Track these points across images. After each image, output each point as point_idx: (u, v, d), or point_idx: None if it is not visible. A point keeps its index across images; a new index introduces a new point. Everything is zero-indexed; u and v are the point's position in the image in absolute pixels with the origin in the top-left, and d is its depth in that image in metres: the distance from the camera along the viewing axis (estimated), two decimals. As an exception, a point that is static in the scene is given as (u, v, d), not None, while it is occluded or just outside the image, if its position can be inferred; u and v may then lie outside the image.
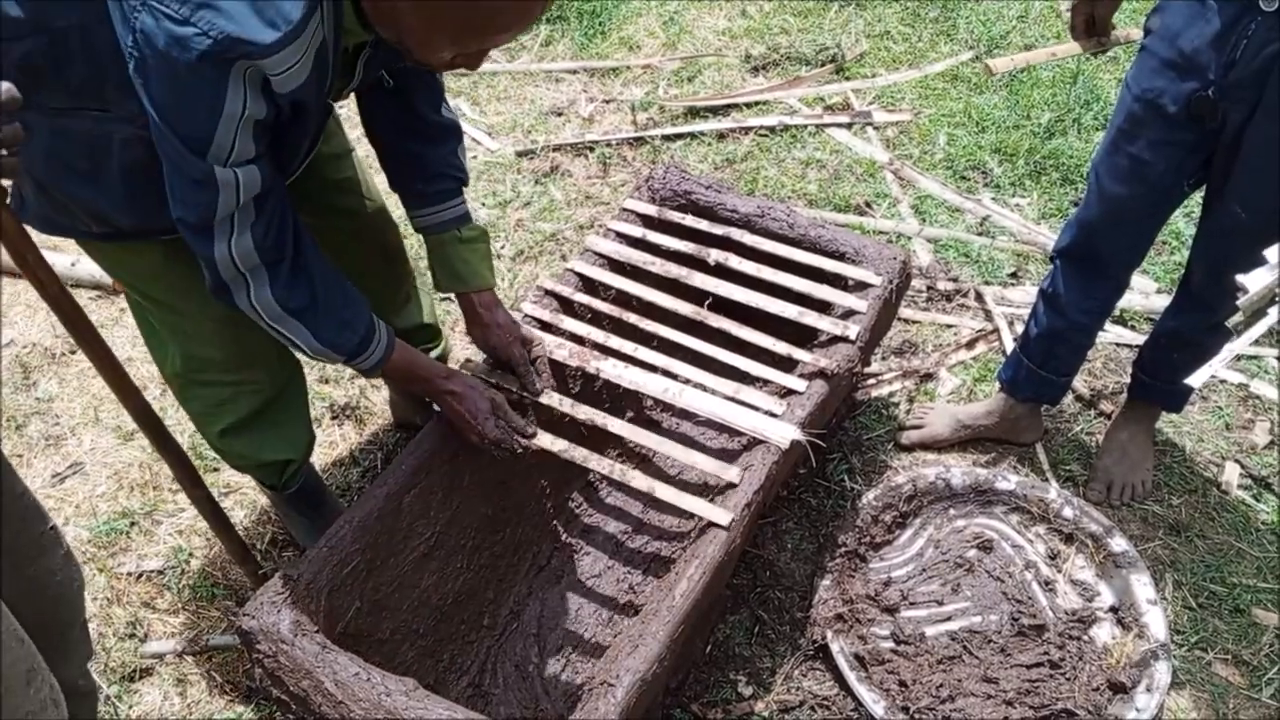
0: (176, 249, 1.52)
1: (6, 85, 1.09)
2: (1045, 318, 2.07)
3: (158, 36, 1.15)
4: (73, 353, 2.58)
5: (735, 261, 2.08)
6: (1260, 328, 1.38)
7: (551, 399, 1.84)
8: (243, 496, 2.23)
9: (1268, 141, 1.62)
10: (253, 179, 1.32)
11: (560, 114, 3.33)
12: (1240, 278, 1.34)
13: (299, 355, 1.56)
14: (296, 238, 1.45)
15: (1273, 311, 1.35)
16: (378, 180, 1.93)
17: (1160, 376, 2.10)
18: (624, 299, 2.07)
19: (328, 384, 2.47)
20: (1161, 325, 2.07)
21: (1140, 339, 2.49)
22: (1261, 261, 1.81)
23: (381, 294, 2.02)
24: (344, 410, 2.40)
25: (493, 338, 1.83)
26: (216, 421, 1.86)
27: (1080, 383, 2.42)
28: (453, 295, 1.89)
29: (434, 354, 2.18)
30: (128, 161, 1.42)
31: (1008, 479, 2.14)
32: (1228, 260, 1.84)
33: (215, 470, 2.27)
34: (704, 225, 2.16)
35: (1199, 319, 1.96)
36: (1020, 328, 2.42)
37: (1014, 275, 2.71)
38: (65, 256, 2.78)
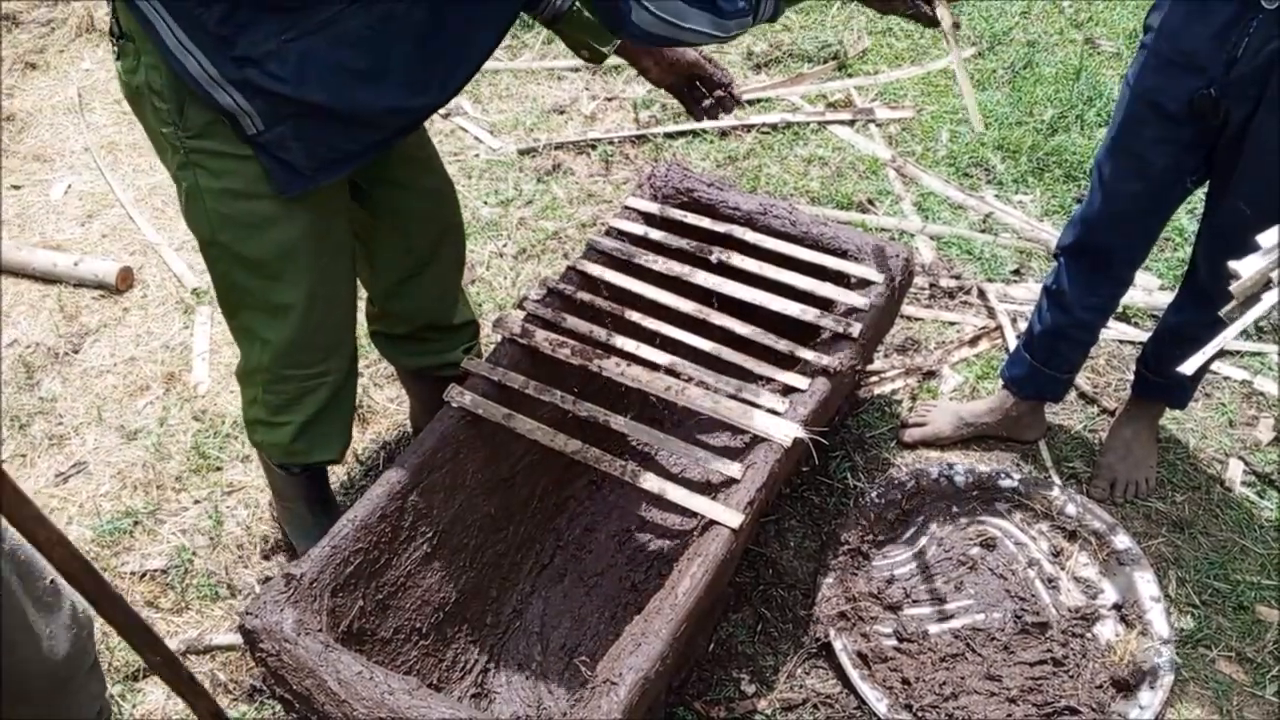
0: (319, 204, 1.58)
1: None
2: (1049, 315, 2.07)
3: None
4: (75, 352, 2.58)
5: (737, 259, 2.08)
6: (1254, 314, 1.36)
7: (555, 396, 1.84)
8: (245, 496, 2.23)
9: (1272, 138, 1.61)
10: None
11: (562, 112, 3.33)
12: (1233, 264, 1.33)
13: (715, 42, 1.56)
14: None
15: (1267, 297, 1.34)
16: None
17: (1164, 374, 2.10)
18: (626, 297, 2.07)
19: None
20: (1165, 322, 2.07)
21: (1143, 335, 2.49)
22: (1255, 247, 1.81)
23: (448, 280, 2.05)
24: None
25: (669, 57, 1.88)
26: (290, 416, 1.84)
27: (1083, 379, 2.42)
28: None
29: (471, 354, 2.17)
30: (412, 31, 1.43)
31: (1010, 476, 2.14)
32: (1232, 256, 1.83)
33: (218, 470, 2.28)
34: (706, 223, 2.16)
35: (1202, 315, 1.96)
36: (1023, 325, 2.42)
37: (1017, 272, 2.71)
38: (68, 256, 2.79)
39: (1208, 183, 1.82)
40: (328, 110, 1.46)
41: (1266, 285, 1.33)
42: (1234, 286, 1.34)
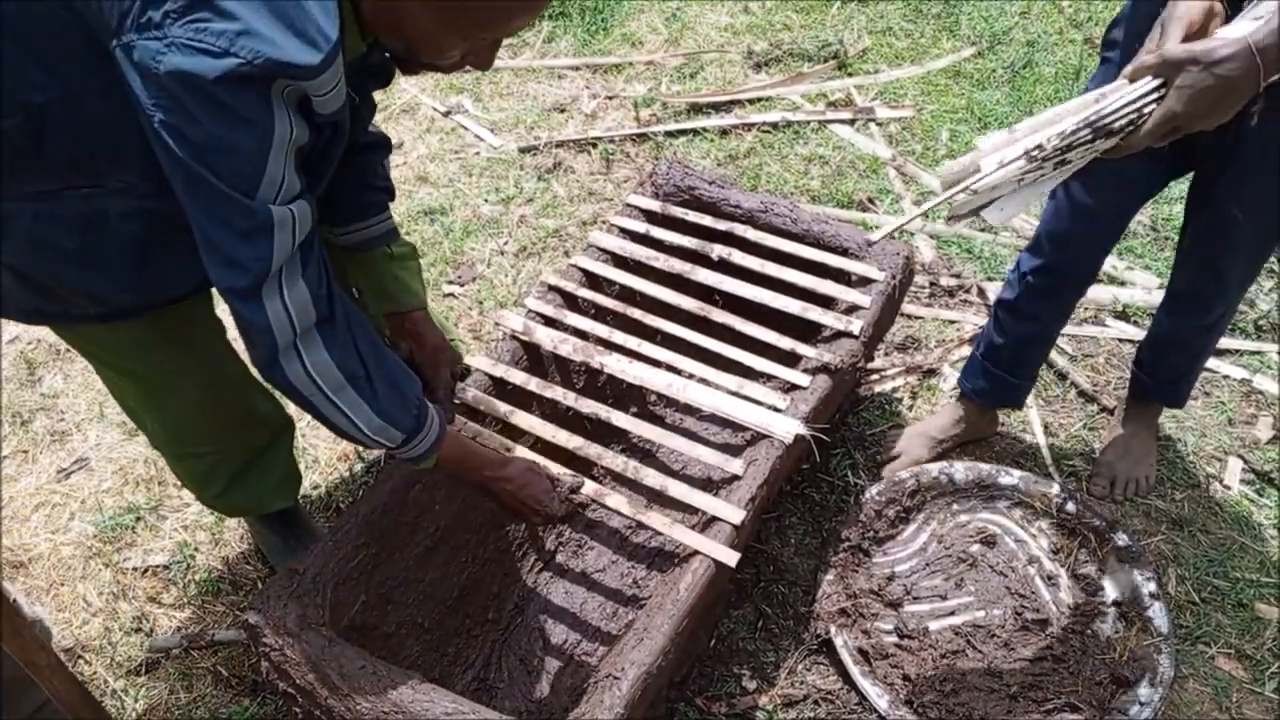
0: (161, 319, 1.48)
1: None
2: (1013, 327, 2.06)
3: (194, 73, 1.05)
4: (77, 349, 2.58)
5: (739, 257, 2.08)
6: (969, 203, 1.33)
7: (556, 393, 1.84)
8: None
9: (1263, 143, 1.61)
10: (305, 215, 1.21)
11: (563, 110, 3.33)
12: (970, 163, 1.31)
13: (352, 440, 1.39)
14: (337, 294, 1.31)
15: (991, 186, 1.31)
16: None
17: (1159, 376, 2.11)
18: (628, 294, 2.08)
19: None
20: (1156, 328, 2.08)
21: (1142, 334, 2.49)
22: (1250, 250, 1.80)
23: None
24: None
25: (420, 358, 1.73)
26: (209, 487, 1.84)
27: (1083, 378, 2.43)
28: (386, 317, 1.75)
29: None
30: (127, 236, 1.33)
31: (1011, 474, 2.15)
32: (1222, 260, 1.85)
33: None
34: (707, 221, 2.16)
35: (1191, 320, 1.98)
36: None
37: (1017, 271, 2.71)
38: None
39: (1190, 190, 1.82)
40: (20, 273, 1.37)
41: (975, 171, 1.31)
42: (942, 172, 1.34)
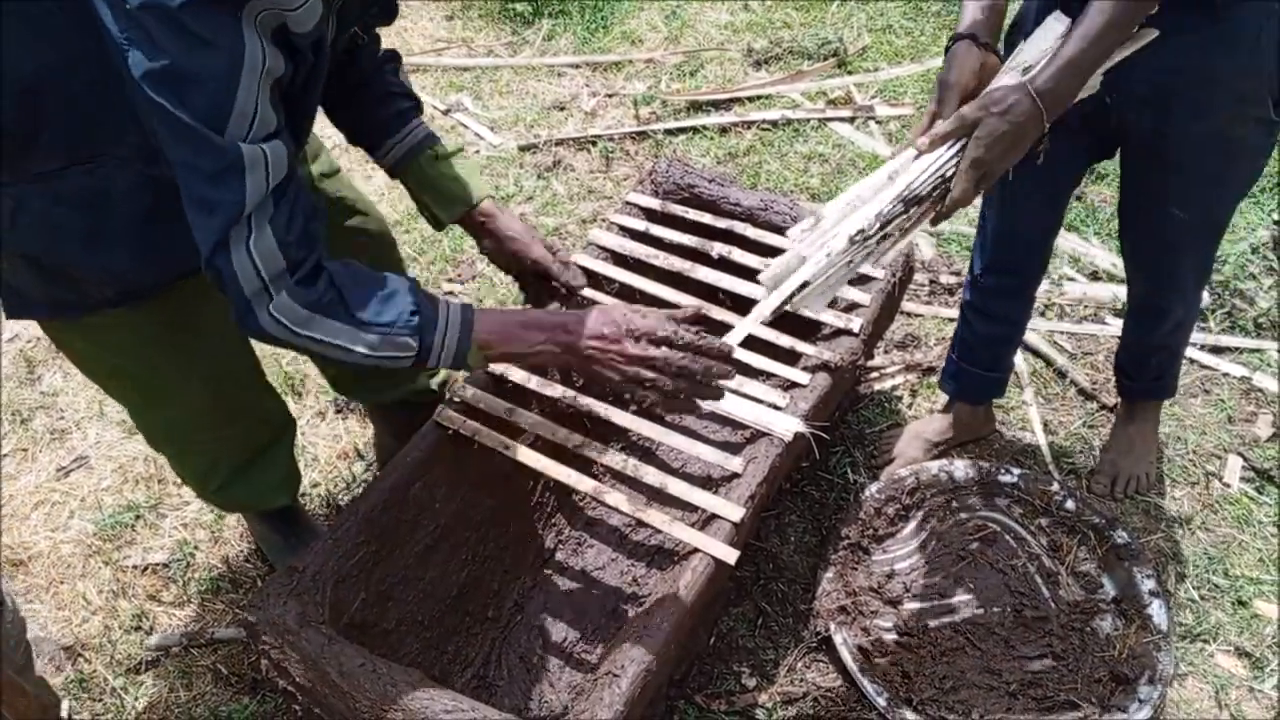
0: (170, 302, 1.47)
1: None
2: (982, 327, 2.10)
3: (160, 1, 1.03)
4: (77, 347, 2.58)
5: (739, 254, 2.08)
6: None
7: (556, 391, 1.84)
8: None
9: (1195, 139, 1.63)
10: (280, 157, 1.16)
11: (562, 108, 3.33)
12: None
13: (357, 365, 1.28)
14: (315, 234, 1.25)
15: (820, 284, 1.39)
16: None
17: (1143, 377, 2.13)
18: (627, 292, 2.07)
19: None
20: (1127, 338, 2.11)
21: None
22: (1197, 247, 1.84)
23: None
24: (348, 404, 2.40)
25: (510, 246, 1.66)
26: (210, 481, 1.84)
27: (1082, 376, 2.43)
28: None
29: (435, 381, 2.17)
30: (134, 209, 1.33)
31: (1010, 471, 2.15)
32: (1170, 263, 1.88)
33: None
34: (707, 219, 2.16)
35: (1158, 326, 2.00)
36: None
37: (1016, 269, 2.71)
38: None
39: (1121, 200, 1.84)
40: (35, 260, 1.37)
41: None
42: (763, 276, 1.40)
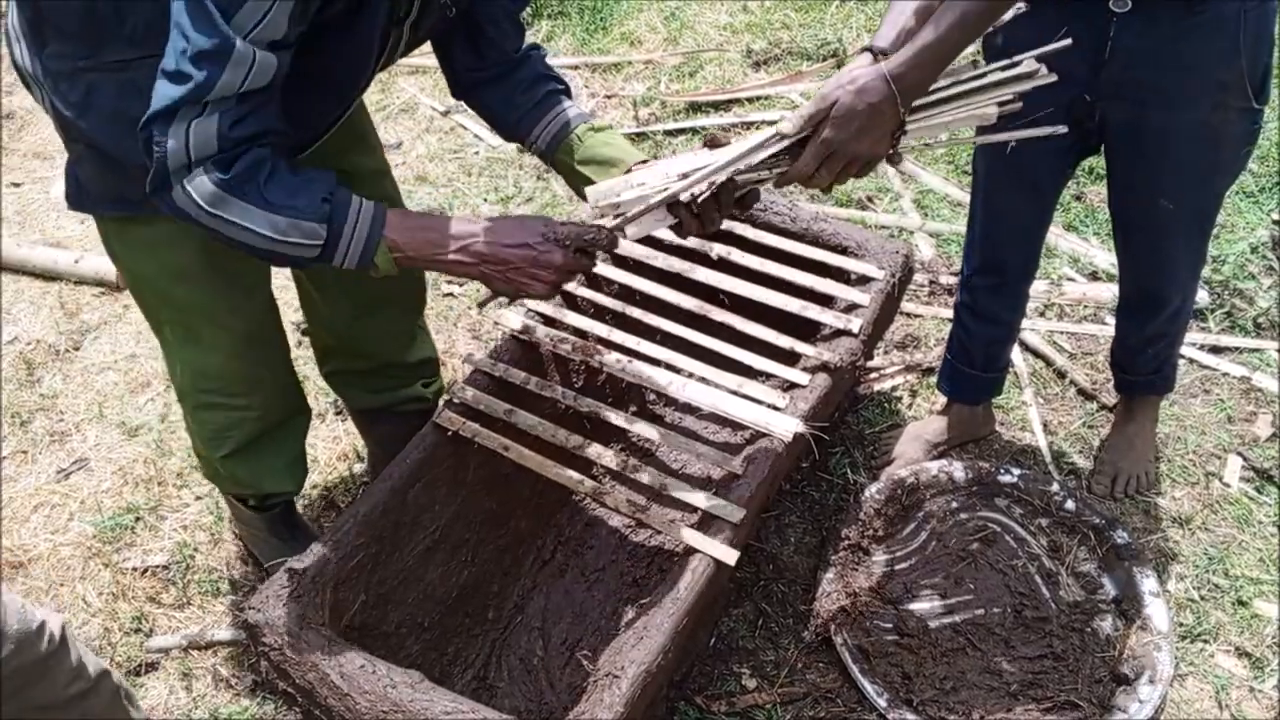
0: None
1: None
2: (976, 328, 2.10)
3: None
4: (76, 349, 2.58)
5: (738, 255, 2.08)
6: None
7: (555, 392, 1.84)
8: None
9: (1179, 130, 1.63)
10: (266, 68, 1.17)
11: (562, 109, 3.33)
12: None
13: (277, 257, 1.29)
14: (260, 144, 1.25)
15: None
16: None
17: (1140, 372, 2.12)
18: (627, 293, 2.08)
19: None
20: (1121, 331, 2.10)
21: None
22: (1189, 238, 1.84)
23: (403, 321, 2.04)
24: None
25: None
26: (220, 446, 1.84)
27: (1082, 376, 2.43)
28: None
29: (432, 388, 2.17)
30: None
31: (1010, 472, 2.15)
32: (1162, 255, 1.88)
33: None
34: (706, 219, 2.16)
35: (1152, 318, 2.00)
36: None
37: (1016, 269, 2.71)
38: (69, 254, 2.79)
39: (1111, 195, 1.85)
40: (103, 151, 1.41)
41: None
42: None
